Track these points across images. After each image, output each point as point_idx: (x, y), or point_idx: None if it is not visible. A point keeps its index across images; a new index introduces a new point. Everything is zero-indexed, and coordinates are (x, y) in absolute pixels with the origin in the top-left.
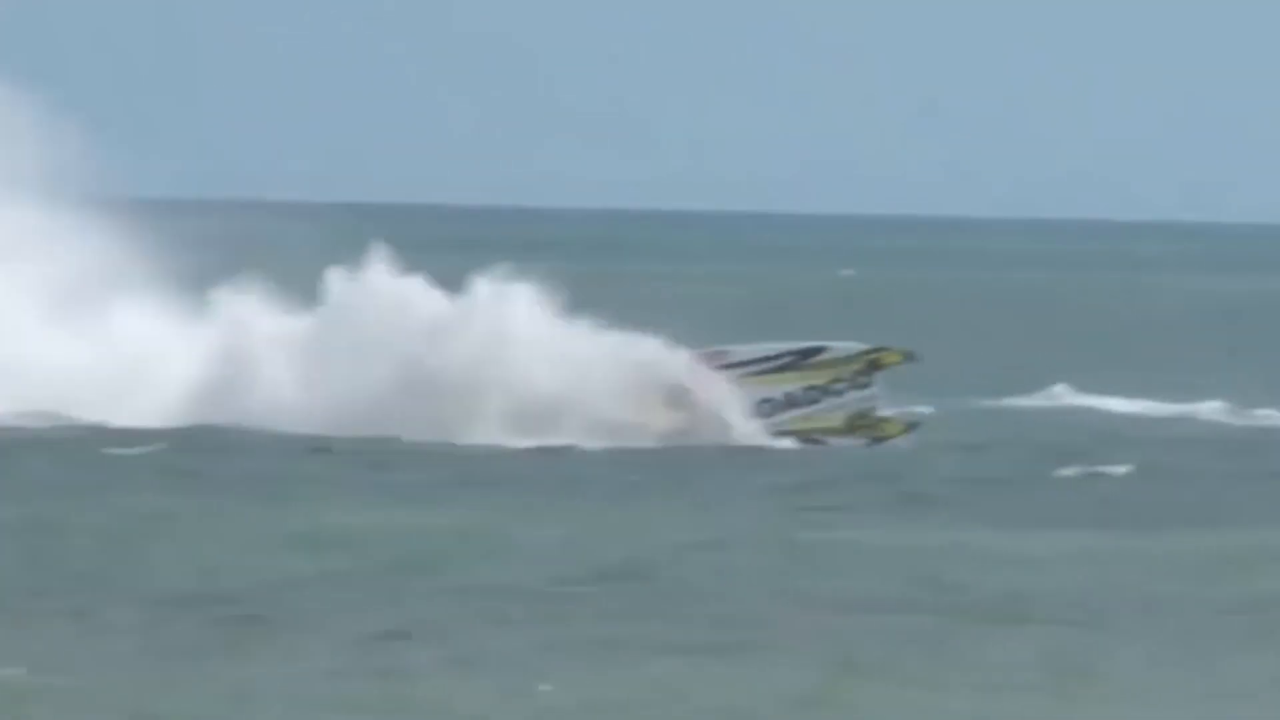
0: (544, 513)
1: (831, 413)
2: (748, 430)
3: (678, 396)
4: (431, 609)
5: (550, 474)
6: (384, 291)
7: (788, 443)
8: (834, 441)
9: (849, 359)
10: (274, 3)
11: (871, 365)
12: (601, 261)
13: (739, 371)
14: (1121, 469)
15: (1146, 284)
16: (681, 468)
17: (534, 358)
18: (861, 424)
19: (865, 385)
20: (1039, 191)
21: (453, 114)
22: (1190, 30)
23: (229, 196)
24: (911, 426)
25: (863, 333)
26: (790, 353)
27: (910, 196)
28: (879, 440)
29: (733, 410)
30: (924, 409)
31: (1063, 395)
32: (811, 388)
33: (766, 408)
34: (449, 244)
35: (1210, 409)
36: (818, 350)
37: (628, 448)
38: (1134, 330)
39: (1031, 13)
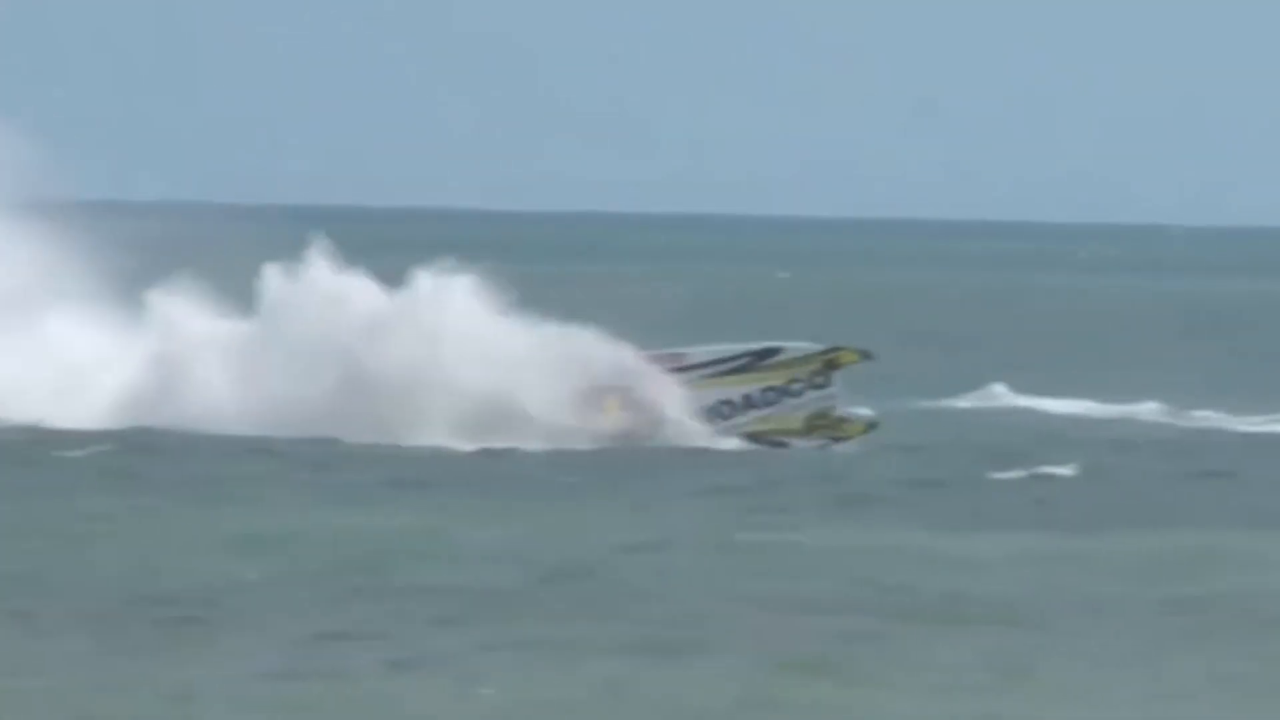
0: (485, 514)
1: (791, 414)
2: (692, 429)
3: (617, 394)
4: (373, 610)
5: (491, 475)
6: (322, 289)
7: (748, 445)
8: (795, 443)
9: (806, 359)
10: (274, 3)
11: (828, 365)
12: (552, 264)
13: (696, 374)
14: (1062, 470)
15: (1091, 287)
16: (622, 469)
17: (469, 356)
18: (821, 424)
19: (823, 385)
20: (1038, 193)
21: (453, 114)
22: (1188, 30)
23: (230, 200)
24: (871, 426)
25: (792, 334)
26: (747, 354)
27: (909, 197)
28: (839, 440)
29: (676, 408)
30: (864, 411)
31: (1001, 396)
32: (770, 389)
33: (726, 409)
34: (400, 245)
35: (1149, 410)
36: (774, 351)
37: (568, 449)
38: (1073, 332)
39: (1031, 13)
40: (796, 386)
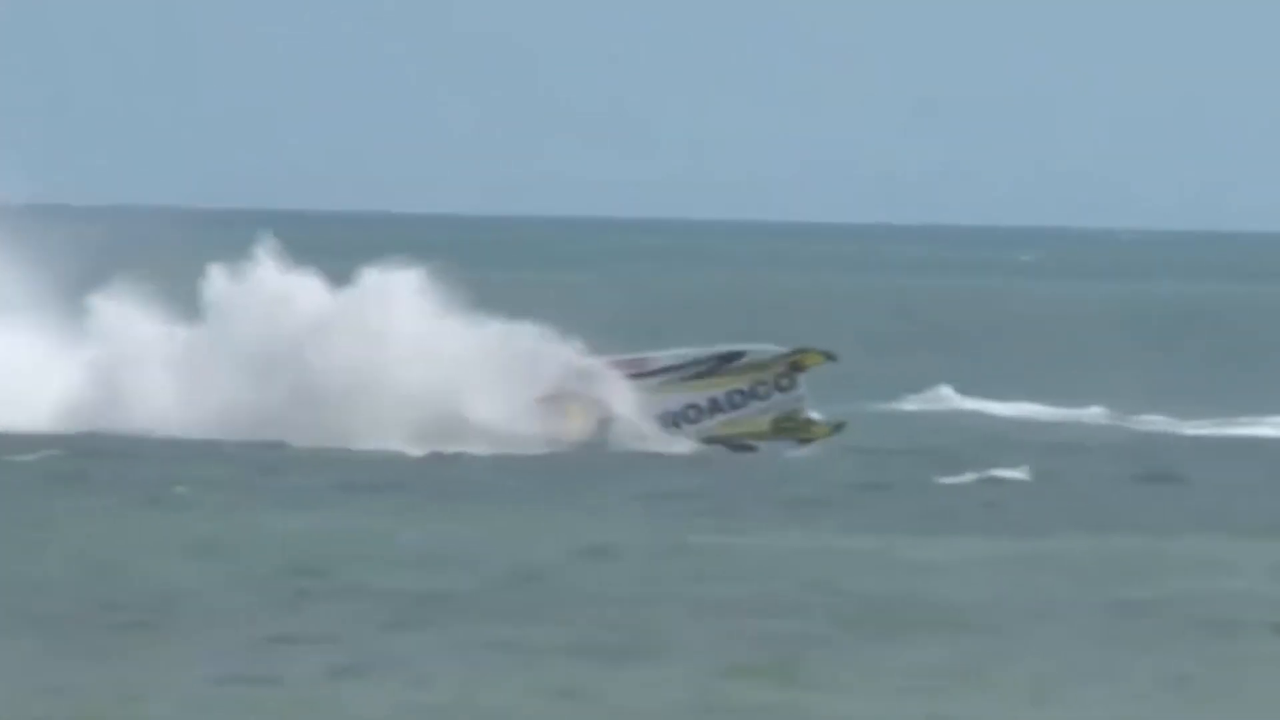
0: (435, 518)
1: (758, 416)
2: (645, 431)
3: (575, 399)
4: (322, 614)
5: (441, 479)
6: (266, 290)
7: (712, 448)
8: (763, 445)
9: (770, 362)
10: (273, 2)
11: (793, 367)
12: (505, 269)
13: (661, 379)
14: (1012, 474)
15: (1034, 291)
16: (572, 473)
17: (413, 357)
18: (788, 426)
19: (789, 388)
20: (1036, 193)
21: (453, 114)
22: (1182, 30)
23: (229, 205)
24: (838, 428)
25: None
26: (711, 358)
27: (906, 199)
28: (806, 441)
29: (628, 410)
30: (812, 414)
31: (949, 399)
32: (736, 392)
33: (692, 414)
34: (345, 250)
35: (1094, 414)
36: (738, 355)
37: (518, 453)
38: (1016, 336)
39: (1031, 13)
40: (762, 389)
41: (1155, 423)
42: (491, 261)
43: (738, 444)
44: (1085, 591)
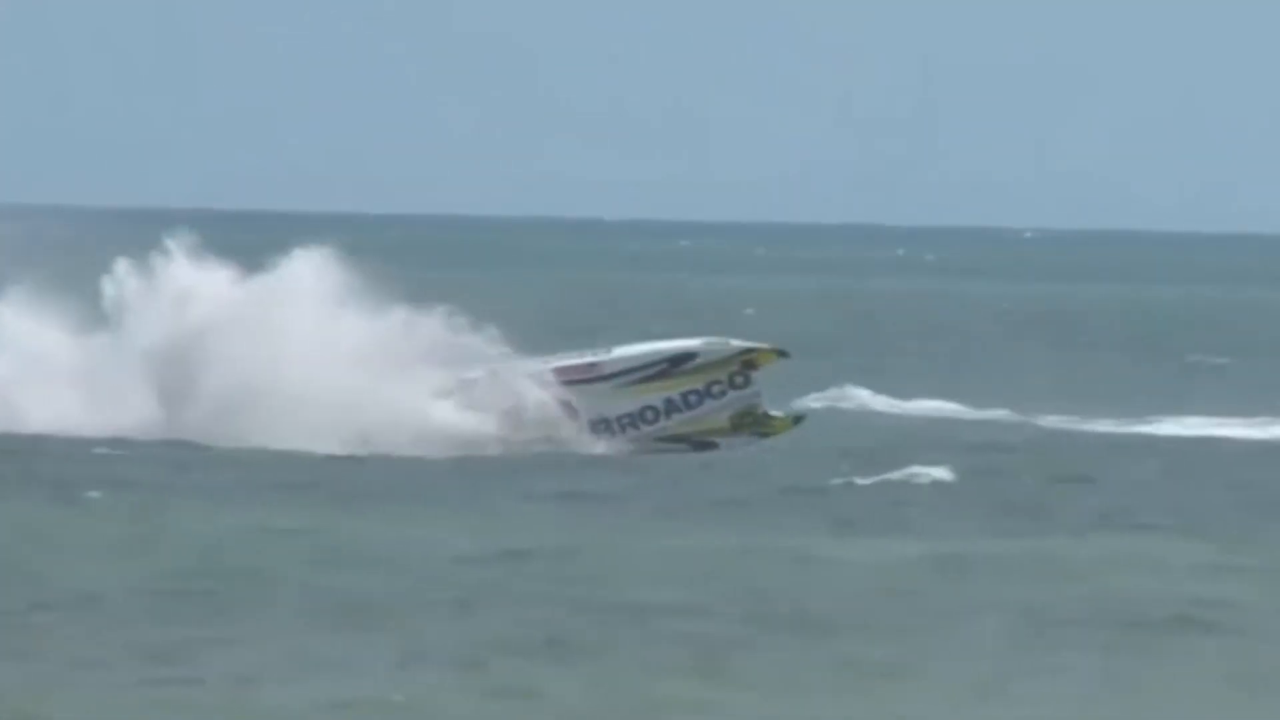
0: (349, 518)
1: (715, 414)
2: (569, 427)
3: (477, 386)
4: (231, 615)
5: (354, 479)
6: (168, 287)
7: (678, 447)
8: (724, 441)
9: (723, 362)
10: (273, 3)
11: (746, 365)
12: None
13: (615, 382)
14: (927, 474)
15: (932, 290)
16: (489, 474)
17: (311, 354)
18: (747, 421)
19: (744, 385)
20: (1035, 195)
21: (453, 115)
22: (1180, 32)
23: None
24: (798, 420)
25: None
26: (662, 360)
27: (909, 202)
28: (766, 436)
29: (539, 400)
30: (769, 409)
31: (859, 399)
32: (691, 392)
33: (650, 414)
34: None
35: (1002, 414)
36: (690, 356)
37: (429, 456)
38: (926, 336)
39: (1031, 14)
40: (717, 388)
41: (1061, 423)
42: (456, 261)
43: (699, 442)
44: (1001, 592)
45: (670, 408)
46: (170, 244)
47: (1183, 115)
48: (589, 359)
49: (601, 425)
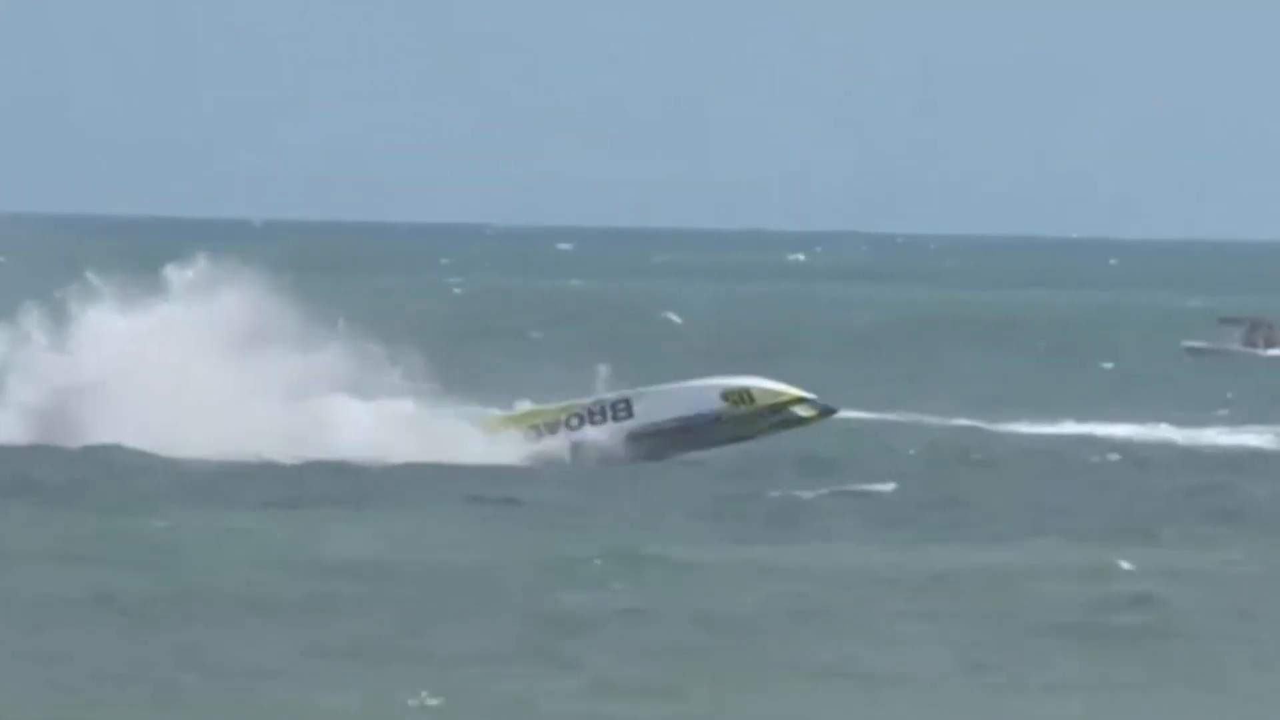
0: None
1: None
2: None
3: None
4: (112, 618)
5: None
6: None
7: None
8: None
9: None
10: (273, 6)
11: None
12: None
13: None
14: (874, 485)
15: (830, 295)
16: (423, 481)
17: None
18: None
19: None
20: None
21: (453, 115)
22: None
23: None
24: (827, 412)
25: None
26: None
27: (911, 205)
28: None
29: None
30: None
31: None
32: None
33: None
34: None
35: (904, 418)
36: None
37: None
38: (829, 342)
39: (1032, 14)
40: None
41: (972, 426)
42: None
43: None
44: (962, 601)
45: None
46: (90, 281)
47: (1179, 119)
48: (626, 396)
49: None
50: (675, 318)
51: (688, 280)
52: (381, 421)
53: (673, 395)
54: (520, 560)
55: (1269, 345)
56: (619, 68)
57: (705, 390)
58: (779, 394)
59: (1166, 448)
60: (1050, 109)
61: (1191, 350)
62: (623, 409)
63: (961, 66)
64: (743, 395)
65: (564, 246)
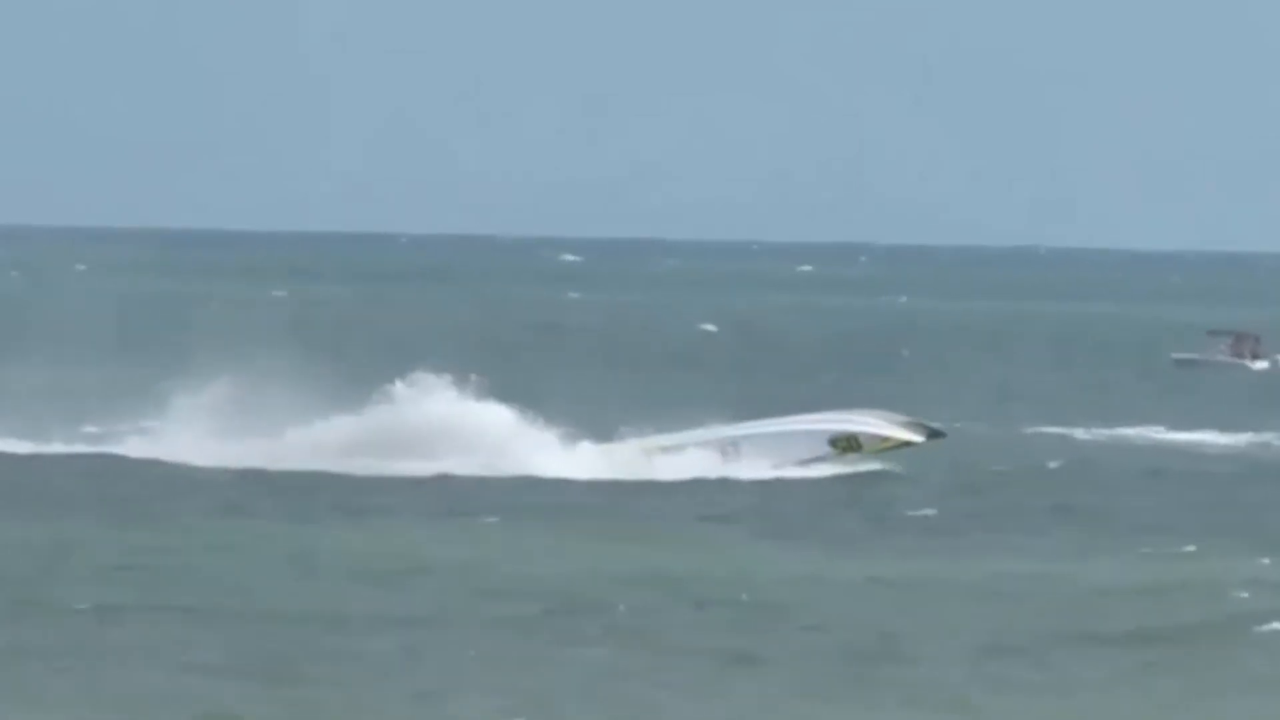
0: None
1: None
2: None
3: None
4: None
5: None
6: None
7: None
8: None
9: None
10: (273, 5)
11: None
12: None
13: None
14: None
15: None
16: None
17: None
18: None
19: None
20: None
21: (450, 115)
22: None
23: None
24: (935, 434)
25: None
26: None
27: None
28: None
29: None
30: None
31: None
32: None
33: None
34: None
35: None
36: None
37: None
38: (756, 353)
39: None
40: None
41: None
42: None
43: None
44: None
45: None
46: None
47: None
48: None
49: None
50: (711, 327)
51: (701, 291)
52: (611, 462)
53: (781, 440)
54: None
55: (1255, 357)
56: (619, 67)
57: (813, 436)
58: (885, 439)
59: None
60: (1051, 116)
61: (1180, 361)
62: (731, 451)
63: (961, 65)
64: (851, 442)
65: (570, 258)
